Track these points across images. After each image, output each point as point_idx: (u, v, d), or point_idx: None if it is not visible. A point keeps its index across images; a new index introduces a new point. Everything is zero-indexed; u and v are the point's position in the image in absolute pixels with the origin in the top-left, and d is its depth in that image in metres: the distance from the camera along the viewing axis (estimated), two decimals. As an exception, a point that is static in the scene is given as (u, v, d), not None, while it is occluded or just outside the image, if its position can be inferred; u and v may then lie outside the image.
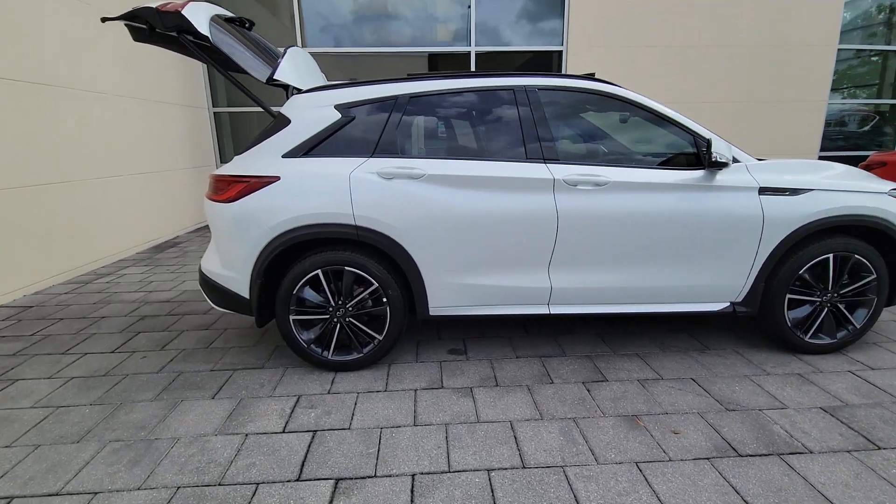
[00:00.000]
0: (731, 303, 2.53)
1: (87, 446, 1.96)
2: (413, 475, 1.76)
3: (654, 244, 2.40)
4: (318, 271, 2.37)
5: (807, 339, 2.55)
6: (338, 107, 2.42)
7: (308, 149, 2.39)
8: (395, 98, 2.42)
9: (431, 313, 2.49)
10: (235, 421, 2.11)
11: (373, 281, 2.39)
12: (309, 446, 1.93)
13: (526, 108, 2.42)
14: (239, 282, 2.44)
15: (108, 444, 1.97)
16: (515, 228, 2.35)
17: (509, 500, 1.62)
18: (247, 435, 2.02)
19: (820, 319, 2.53)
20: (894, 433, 1.94)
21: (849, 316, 2.53)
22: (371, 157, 2.38)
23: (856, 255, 2.41)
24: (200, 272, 2.61)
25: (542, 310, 2.50)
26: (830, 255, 2.41)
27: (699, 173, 2.39)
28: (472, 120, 2.45)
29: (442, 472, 1.77)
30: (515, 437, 1.96)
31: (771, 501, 1.59)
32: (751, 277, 2.46)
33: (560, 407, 2.17)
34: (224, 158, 7.73)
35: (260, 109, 8.74)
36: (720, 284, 2.48)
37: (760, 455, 1.83)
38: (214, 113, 7.54)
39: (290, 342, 2.48)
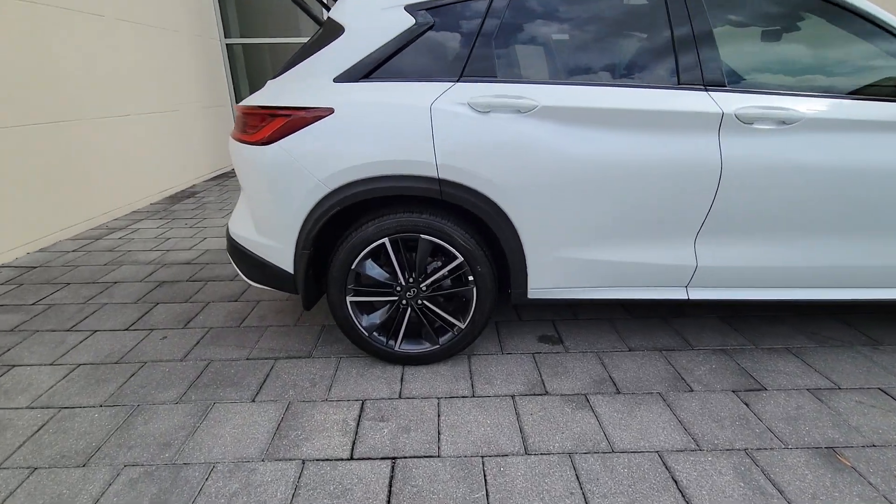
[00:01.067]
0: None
1: (97, 473, 1.48)
2: (547, 542, 1.23)
3: (865, 209, 1.71)
4: (385, 240, 1.77)
5: None
6: (410, 8, 1.71)
7: (369, 69, 1.71)
8: (491, -6, 1.70)
9: (530, 296, 1.89)
10: (286, 438, 1.60)
11: (456, 254, 1.78)
12: (390, 486, 1.41)
13: (680, 9, 1.68)
14: (280, 252, 1.85)
15: (124, 471, 1.48)
16: (658, 184, 1.68)
17: None
18: (304, 462, 1.51)
19: None
20: None
21: None
22: (458, 80, 1.69)
23: None
24: (228, 237, 2.03)
25: (677, 294, 1.89)
26: None
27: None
28: (601, 28, 1.73)
29: (588, 538, 1.24)
30: (676, 481, 1.41)
31: None
32: None
33: (718, 431, 1.61)
34: (239, 98, 6.98)
35: (278, 40, 7.86)
36: None
37: None
38: (227, 45, 6.71)
39: (347, 329, 1.93)
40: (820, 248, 1.78)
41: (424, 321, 1.92)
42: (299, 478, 1.44)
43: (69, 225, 3.89)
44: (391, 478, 1.44)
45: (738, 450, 1.53)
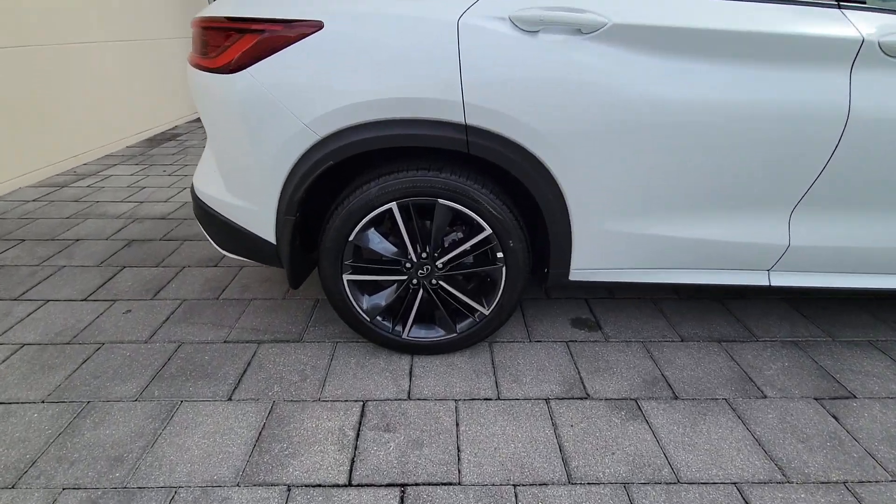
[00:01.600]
0: None
1: (27, 500, 1.17)
2: None
3: None
4: (393, 205, 1.37)
5: None
6: None
7: (372, -33, 1.23)
8: None
9: (573, 278, 1.52)
10: (268, 453, 1.28)
11: (483, 224, 1.39)
12: (400, 527, 1.11)
13: None
14: (257, 217, 1.46)
15: (62, 495, 1.17)
16: (757, 138, 1.26)
17: None
18: (289, 489, 1.19)
19: None
20: None
21: None
22: (493, -14, 1.22)
23: None
24: (194, 196, 1.62)
25: (755, 279, 1.52)
26: None
27: None
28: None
29: None
30: (766, 529, 1.11)
31: None
32: None
33: (807, 455, 1.29)
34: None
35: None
36: None
37: None
38: (208, -36, 5.90)
39: (344, 312, 1.58)
40: None
41: (439, 304, 1.56)
42: (283, 513, 1.14)
43: (31, 170, 3.45)
44: (400, 515, 1.13)
45: (836, 483, 1.21)
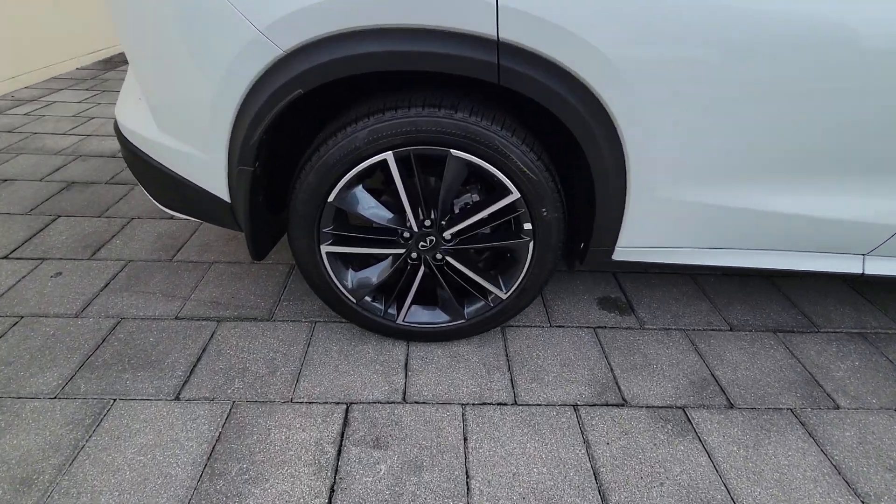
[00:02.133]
0: None
1: None
2: None
3: None
4: (389, 156, 1.00)
5: None
6: None
7: None
8: None
9: (617, 257, 1.19)
10: (223, 478, 0.99)
11: (509, 185, 1.03)
12: None
13: None
14: (201, 165, 1.07)
15: (-59, 537, 0.88)
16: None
17: None
18: (248, 533, 0.91)
19: None
20: None
21: None
22: None
23: None
24: (118, 133, 1.21)
25: (846, 266, 1.20)
26: None
27: None
28: None
29: None
30: None
31: None
32: None
33: (900, 489, 1.05)
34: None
35: None
36: None
37: None
38: None
39: (324, 293, 1.24)
40: None
41: (444, 284, 1.23)
42: (238, 569, 0.86)
43: (-44, 91, 2.92)
44: (393, 572, 0.87)
45: (941, 530, 0.97)
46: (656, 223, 1.10)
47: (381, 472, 1.02)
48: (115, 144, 2.52)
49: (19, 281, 1.52)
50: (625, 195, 1.05)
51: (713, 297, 1.60)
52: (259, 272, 1.61)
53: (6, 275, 1.55)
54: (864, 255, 1.18)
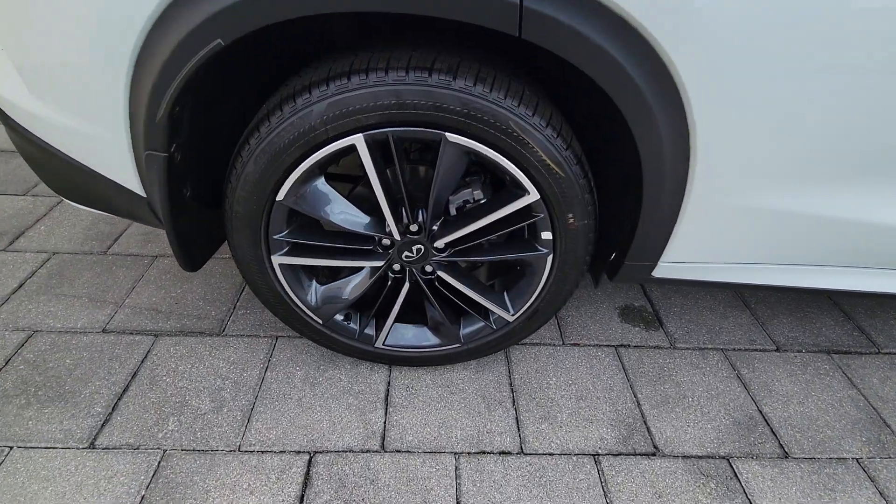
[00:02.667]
0: None
1: None
2: None
3: None
4: (358, 139, 0.71)
5: None
6: None
7: None
8: None
9: (658, 274, 0.92)
10: (140, 567, 0.76)
11: (526, 183, 0.75)
12: None
13: None
14: (93, 144, 0.77)
15: None
16: None
17: None
18: None
19: None
20: None
21: None
22: None
23: None
24: None
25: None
26: None
27: None
28: None
29: None
30: None
31: None
32: None
33: None
34: None
35: None
36: None
37: None
38: None
39: (281, 312, 0.98)
40: None
41: (435, 303, 0.96)
42: None
43: None
44: None
45: None
46: (720, 234, 0.83)
47: (350, 557, 0.79)
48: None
49: (-89, 279, 1.23)
50: (682, 197, 0.77)
51: (754, 307, 1.35)
52: (212, 270, 1.34)
53: None
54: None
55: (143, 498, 0.84)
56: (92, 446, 0.91)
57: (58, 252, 1.36)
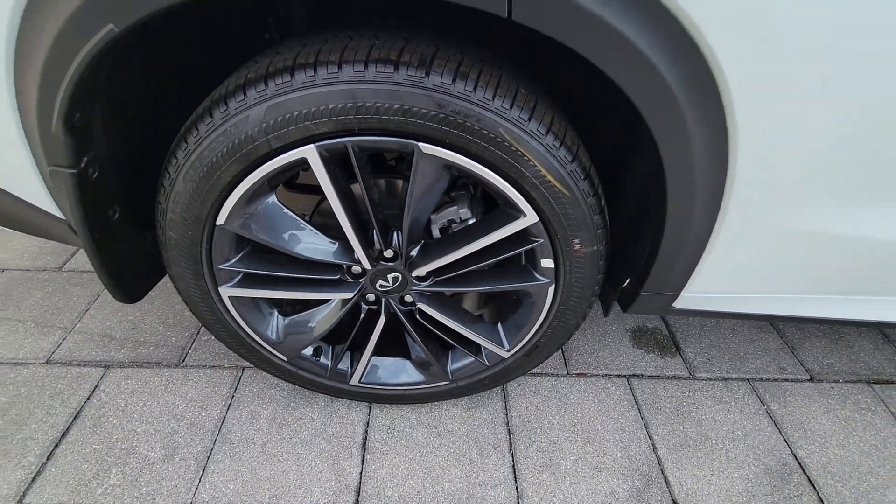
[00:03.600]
0: None
1: None
2: None
3: None
4: (310, 150, 0.56)
5: None
6: None
7: None
8: None
9: (680, 305, 0.77)
10: None
11: (521, 203, 0.60)
12: None
13: None
14: None
15: None
16: None
17: None
18: None
19: None
20: None
21: None
22: None
23: None
24: None
25: None
26: None
27: None
28: None
29: None
30: None
31: None
32: None
33: None
34: None
35: None
36: None
37: None
38: None
39: (238, 349, 0.84)
40: None
41: (416, 338, 0.82)
42: None
43: None
44: None
45: None
46: (759, 261, 0.68)
47: None
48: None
49: None
50: (715, 216, 0.62)
51: (782, 329, 1.20)
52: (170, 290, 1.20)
53: None
54: None
55: (70, 573, 0.71)
56: (18, 506, 0.78)
57: (7, 269, 1.23)
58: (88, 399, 0.95)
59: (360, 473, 0.86)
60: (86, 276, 1.22)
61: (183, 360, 1.03)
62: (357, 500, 0.82)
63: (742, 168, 0.57)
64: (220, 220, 0.63)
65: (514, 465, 0.88)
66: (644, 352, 1.12)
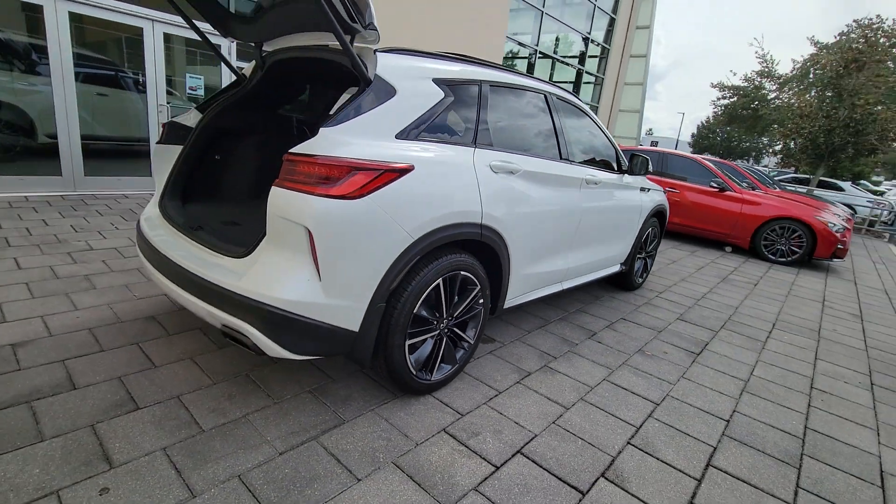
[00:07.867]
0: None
1: None
2: None
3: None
4: (440, 280, 1.99)
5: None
6: (437, 81, 2.02)
7: (418, 130, 1.91)
8: (479, 83, 2.24)
9: (505, 306, 2.52)
10: None
11: (476, 282, 2.20)
12: None
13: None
14: (350, 311, 1.73)
15: None
16: (560, 215, 2.72)
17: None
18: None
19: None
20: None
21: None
22: (475, 146, 2.15)
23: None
24: (260, 307, 1.60)
25: (556, 287, 2.97)
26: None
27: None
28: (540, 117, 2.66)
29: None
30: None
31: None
32: None
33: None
34: None
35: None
36: None
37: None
38: None
39: (398, 375, 1.97)
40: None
41: (451, 345, 2.20)
42: None
43: None
44: None
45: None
46: (516, 286, 2.51)
47: None
48: None
49: None
50: (510, 276, 2.41)
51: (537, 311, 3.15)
52: (164, 372, 1.97)
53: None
54: (561, 281, 3.00)
55: None
56: None
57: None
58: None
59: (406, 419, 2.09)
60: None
61: (279, 401, 1.91)
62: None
63: (513, 262, 2.40)
64: (416, 308, 1.92)
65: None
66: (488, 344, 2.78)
